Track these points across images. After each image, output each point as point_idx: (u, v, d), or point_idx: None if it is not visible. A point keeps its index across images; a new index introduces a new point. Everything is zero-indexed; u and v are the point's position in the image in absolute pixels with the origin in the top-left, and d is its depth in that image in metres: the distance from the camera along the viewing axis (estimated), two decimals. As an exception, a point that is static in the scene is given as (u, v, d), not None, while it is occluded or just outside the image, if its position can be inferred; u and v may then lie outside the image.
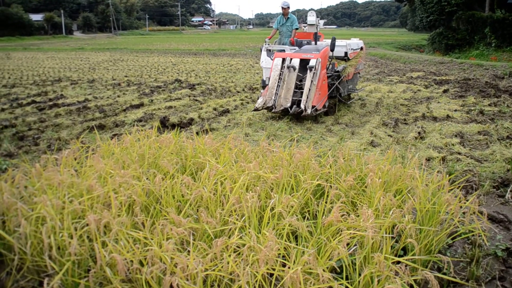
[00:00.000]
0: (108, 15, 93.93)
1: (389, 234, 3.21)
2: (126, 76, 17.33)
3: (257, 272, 2.68)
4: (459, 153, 6.54)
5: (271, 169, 4.18)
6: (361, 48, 10.99)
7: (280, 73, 8.84)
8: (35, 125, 8.66)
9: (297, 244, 3.11)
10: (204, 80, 16.17)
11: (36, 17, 78.84)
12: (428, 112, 9.63)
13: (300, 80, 8.81)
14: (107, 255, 2.75)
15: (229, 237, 3.06)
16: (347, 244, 3.05)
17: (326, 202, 3.63)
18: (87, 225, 3.09)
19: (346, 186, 4.03)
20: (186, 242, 3.12)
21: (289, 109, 8.50)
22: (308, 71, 8.50)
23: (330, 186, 4.02)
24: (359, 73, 11.68)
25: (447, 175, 4.35)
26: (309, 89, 8.39)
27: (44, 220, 3.22)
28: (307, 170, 4.36)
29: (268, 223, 3.29)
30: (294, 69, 8.73)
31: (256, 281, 2.65)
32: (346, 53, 10.04)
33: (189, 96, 12.30)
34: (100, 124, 8.45)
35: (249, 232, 3.16)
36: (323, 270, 2.69)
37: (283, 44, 10.65)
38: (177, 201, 3.67)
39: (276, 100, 8.67)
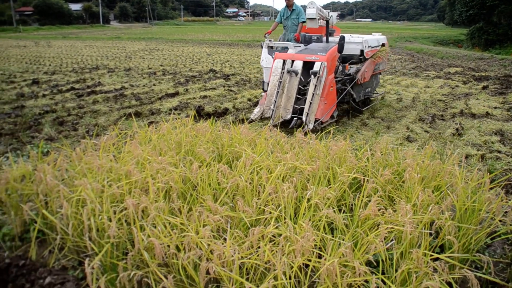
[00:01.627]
0: (144, 5, 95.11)
1: (427, 230, 3.15)
2: (161, 65, 17.52)
3: (293, 262, 2.67)
4: (499, 152, 6.34)
5: (307, 160, 4.15)
6: (383, 45, 9.39)
7: (280, 78, 7.37)
8: (74, 111, 8.87)
9: (333, 236, 3.08)
10: (239, 71, 16.19)
11: (75, 7, 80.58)
12: (466, 109, 9.37)
13: (305, 85, 7.35)
14: (145, 239, 2.79)
15: (265, 227, 3.05)
16: (384, 239, 3.01)
17: (363, 196, 3.59)
18: (126, 209, 3.15)
19: (383, 180, 3.97)
20: (222, 229, 3.14)
21: (290, 121, 7.13)
22: (312, 77, 7.04)
23: (367, 179, 3.96)
24: (380, 74, 10.13)
25: (488, 173, 4.22)
26: (312, 99, 6.95)
27: (84, 203, 3.29)
28: (344, 162, 4.32)
29: (304, 214, 3.27)
30: (296, 73, 7.20)
31: (292, 271, 2.64)
32: (362, 51, 8.49)
33: (224, 86, 12.34)
34: (136, 112, 8.58)
35: (285, 223, 3.16)
36: (360, 263, 2.66)
37: (287, 41, 9.06)
38: (213, 189, 3.69)
39: (274, 110, 7.22)
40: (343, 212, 3.63)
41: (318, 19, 8.31)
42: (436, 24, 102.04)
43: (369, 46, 8.60)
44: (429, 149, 4.65)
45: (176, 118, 5.39)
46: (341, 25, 77.07)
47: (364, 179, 4.06)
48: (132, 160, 3.97)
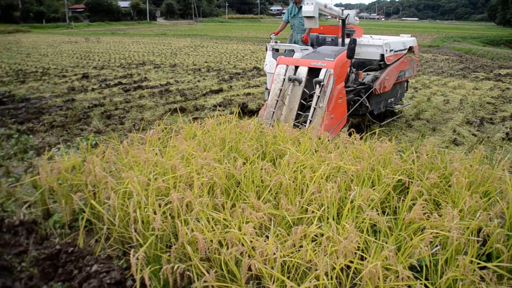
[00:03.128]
0: (190, 3, 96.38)
1: (474, 237, 3.05)
2: (206, 62, 17.72)
3: (335, 263, 2.65)
4: (553, 158, 6.07)
5: (351, 161, 4.11)
6: (410, 49, 8.08)
7: (282, 86, 6.34)
8: (121, 105, 9.11)
9: (376, 239, 3.04)
10: (282, 69, 16.15)
11: (123, 4, 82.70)
12: (518, 112, 9.01)
13: (311, 95, 6.22)
14: (189, 233, 2.84)
15: (308, 226, 3.04)
16: (429, 243, 2.94)
17: (407, 199, 3.52)
18: (170, 202, 3.21)
19: (429, 184, 3.88)
20: (264, 227, 3.15)
21: None
22: (316, 87, 5.98)
23: (412, 182, 3.88)
24: (407, 82, 8.72)
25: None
26: (314, 113, 5.88)
27: (130, 195, 3.38)
28: (388, 164, 4.25)
29: (347, 215, 3.24)
30: (299, 82, 6.16)
31: (334, 272, 2.62)
32: (382, 56, 7.25)
33: (267, 84, 12.37)
34: (181, 107, 8.73)
35: (327, 223, 3.14)
36: (403, 267, 2.62)
37: (294, 42, 7.99)
38: (256, 186, 3.72)
39: (272, 123, 5.93)
40: (387, 215, 3.58)
41: (328, 18, 7.65)
42: (487, 24, 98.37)
43: (391, 50, 7.36)
44: (478, 153, 4.50)
45: (220, 115, 5.44)
46: (386, 24, 75.67)
47: (409, 181, 3.99)
48: (178, 155, 4.04)
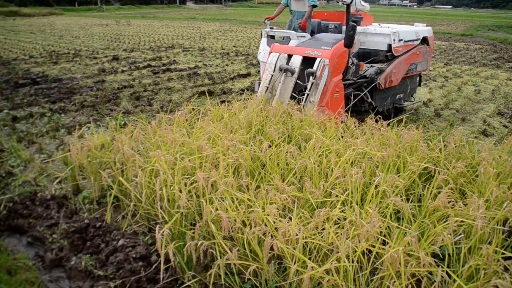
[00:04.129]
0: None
1: (500, 227, 3.02)
2: (234, 46, 17.72)
3: (356, 246, 2.67)
4: None
5: (377, 147, 4.09)
6: (423, 40, 7.26)
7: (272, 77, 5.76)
8: (150, 87, 9.24)
9: (399, 225, 3.04)
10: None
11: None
12: (553, 104, 8.75)
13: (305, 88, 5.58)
14: (213, 211, 2.90)
15: (331, 209, 3.06)
16: (453, 232, 2.92)
17: (432, 187, 3.49)
18: (196, 182, 3.27)
19: (455, 173, 3.84)
20: (288, 209, 3.19)
21: None
22: (308, 79, 5.42)
23: (438, 171, 3.85)
24: (419, 76, 7.87)
25: None
26: (304, 108, 5.17)
27: (157, 173, 3.46)
28: (415, 152, 4.22)
29: (370, 200, 3.24)
30: (292, 72, 5.57)
31: (355, 255, 2.64)
32: (390, 46, 6.52)
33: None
34: (208, 90, 8.80)
35: (351, 207, 3.15)
36: (425, 254, 2.62)
37: (293, 29, 7.09)
38: (281, 169, 3.75)
39: None
40: (411, 202, 3.56)
41: (337, 3, 6.65)
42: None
43: (400, 40, 6.61)
44: (508, 144, 4.42)
45: (247, 98, 5.47)
46: (418, 12, 73.80)
47: (435, 170, 3.96)
48: (204, 136, 4.10)
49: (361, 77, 6.32)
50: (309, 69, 5.38)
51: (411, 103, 7.71)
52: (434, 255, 2.89)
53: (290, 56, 5.77)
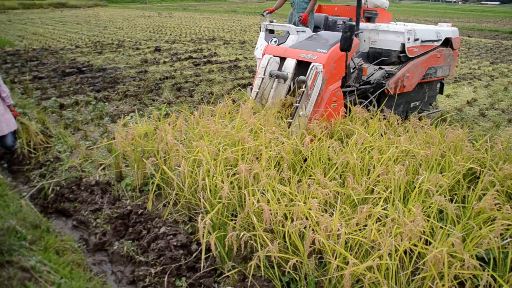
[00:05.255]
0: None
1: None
2: (274, 41, 17.66)
3: (398, 245, 2.63)
4: None
5: (421, 145, 4.01)
6: (446, 41, 6.44)
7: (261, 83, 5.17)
8: (191, 78, 9.34)
9: (443, 225, 2.98)
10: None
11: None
12: None
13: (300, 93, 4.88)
14: (255, 203, 2.91)
15: (373, 206, 3.02)
16: (500, 235, 2.84)
17: (478, 188, 3.40)
18: (238, 173, 3.30)
19: (502, 175, 3.72)
20: (329, 204, 3.17)
21: None
22: (300, 87, 4.82)
23: (484, 172, 3.74)
24: (441, 83, 6.93)
25: None
26: (293, 123, 4.55)
27: (200, 163, 3.50)
28: (459, 151, 4.11)
29: (414, 199, 3.19)
30: (284, 79, 4.96)
31: (397, 254, 2.61)
32: (403, 45, 5.76)
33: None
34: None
35: (393, 205, 3.11)
36: (470, 256, 2.55)
37: (293, 24, 6.26)
38: (323, 164, 3.73)
39: None
40: (455, 202, 3.48)
41: None
42: None
43: (416, 40, 5.83)
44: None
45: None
46: (464, 8, 71.44)
47: (480, 171, 3.85)
48: (246, 128, 4.12)
49: (365, 82, 5.49)
50: (300, 77, 4.72)
51: (428, 112, 6.66)
52: (479, 258, 2.81)
53: (283, 59, 5.14)
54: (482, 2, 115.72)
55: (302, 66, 4.88)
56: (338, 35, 4.99)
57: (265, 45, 5.60)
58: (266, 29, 5.84)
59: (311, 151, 3.78)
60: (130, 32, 18.61)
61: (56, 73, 9.51)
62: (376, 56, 6.01)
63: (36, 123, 5.40)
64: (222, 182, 3.20)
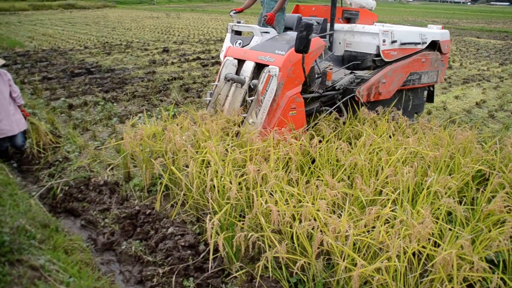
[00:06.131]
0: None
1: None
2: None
3: (407, 247, 2.62)
4: None
5: (430, 147, 4.00)
6: (433, 45, 5.91)
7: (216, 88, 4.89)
8: (199, 79, 9.37)
9: (452, 227, 2.96)
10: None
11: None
12: None
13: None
14: (263, 203, 2.92)
15: (382, 207, 3.02)
16: (510, 238, 2.82)
17: (487, 190, 3.38)
18: (246, 174, 3.30)
19: (512, 177, 3.70)
20: (337, 205, 3.16)
21: None
22: (248, 93, 4.56)
23: (493, 174, 3.71)
24: (429, 90, 6.37)
25: None
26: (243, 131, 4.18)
27: (208, 164, 3.51)
28: (468, 153, 4.09)
29: (422, 200, 3.17)
30: (241, 83, 4.62)
31: (406, 256, 2.60)
32: (378, 47, 5.26)
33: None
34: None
35: (401, 206, 3.10)
36: (479, 259, 2.54)
37: (262, 25, 5.64)
38: (331, 165, 3.72)
39: None
40: (464, 204, 3.46)
41: None
42: None
43: (393, 42, 5.28)
44: None
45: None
46: (473, 9, 71.01)
47: (490, 172, 3.82)
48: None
49: (331, 88, 4.89)
50: (253, 81, 4.44)
51: (413, 121, 5.89)
52: (488, 260, 2.80)
53: (242, 62, 4.78)
54: (491, 2, 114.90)
55: (262, 69, 4.50)
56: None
57: (231, 46, 5.23)
58: (232, 30, 5.43)
59: (319, 152, 3.78)
60: (138, 33, 18.69)
61: (65, 73, 9.57)
62: (351, 60, 5.59)
63: (46, 123, 5.43)
64: (230, 182, 3.21)
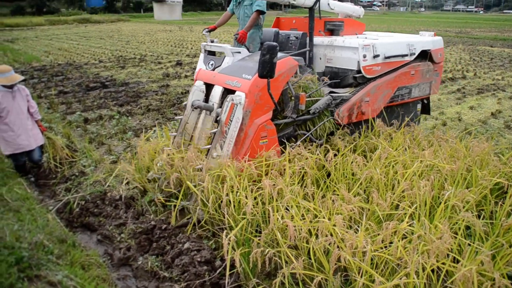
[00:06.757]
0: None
1: None
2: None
3: (425, 262, 2.59)
4: None
5: (446, 159, 3.96)
6: (424, 54, 5.46)
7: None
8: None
9: (471, 242, 2.92)
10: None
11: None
12: None
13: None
14: (280, 218, 2.91)
15: (399, 222, 2.99)
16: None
17: (506, 204, 3.33)
18: (262, 188, 3.30)
19: (532, 190, 3.64)
20: (354, 220, 3.14)
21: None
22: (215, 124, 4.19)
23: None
24: (423, 103, 5.91)
25: None
26: (205, 166, 3.76)
27: (224, 179, 3.50)
28: (486, 165, 4.04)
29: (439, 215, 3.14)
30: (210, 111, 4.24)
31: (425, 272, 2.56)
32: (358, 63, 4.76)
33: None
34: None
35: (418, 221, 3.06)
36: (501, 275, 2.49)
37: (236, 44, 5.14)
38: (347, 179, 3.70)
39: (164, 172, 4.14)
40: (483, 218, 3.41)
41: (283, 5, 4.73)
42: None
43: (375, 56, 4.81)
44: None
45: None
46: (485, 18, 70.30)
47: (508, 185, 3.77)
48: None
49: (307, 112, 4.35)
50: (218, 109, 4.12)
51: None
52: (510, 277, 2.75)
53: (212, 86, 4.39)
54: (504, 11, 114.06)
55: (224, 95, 4.22)
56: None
57: (201, 68, 4.78)
58: (205, 50, 4.95)
59: (334, 165, 3.76)
60: (152, 46, 18.90)
61: (80, 87, 9.71)
62: (332, 77, 5.02)
63: (62, 137, 5.50)
64: (246, 197, 3.20)
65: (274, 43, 3.60)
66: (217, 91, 4.24)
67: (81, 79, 10.64)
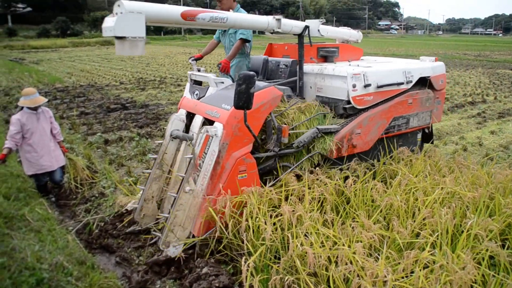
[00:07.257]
0: (298, 17, 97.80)
1: None
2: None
3: (448, 293, 2.54)
4: None
5: (468, 186, 3.90)
6: (423, 81, 5.12)
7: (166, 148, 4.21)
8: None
9: (494, 273, 2.85)
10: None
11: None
12: None
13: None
14: (299, 245, 2.89)
15: (420, 251, 2.94)
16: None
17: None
18: (281, 214, 3.28)
19: (558, 218, 3.55)
20: (374, 247, 3.10)
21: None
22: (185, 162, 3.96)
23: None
24: (424, 132, 5.55)
25: None
26: (176, 203, 3.59)
27: (245, 205, 3.49)
28: (509, 193, 3.96)
29: (462, 244, 3.08)
30: (190, 140, 3.92)
31: (447, 303, 2.51)
32: (348, 93, 4.43)
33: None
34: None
35: (440, 250, 3.01)
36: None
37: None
38: (366, 205, 3.67)
39: (140, 207, 4.10)
40: (507, 248, 3.33)
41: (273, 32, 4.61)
42: None
43: (366, 86, 4.48)
44: None
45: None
46: (504, 41, 69.58)
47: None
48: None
49: (291, 145, 4.12)
50: (193, 140, 3.90)
51: None
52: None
53: (193, 116, 4.26)
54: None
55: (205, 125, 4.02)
56: (256, 84, 3.66)
57: (186, 97, 4.65)
58: (191, 80, 4.72)
59: (354, 192, 3.74)
60: (172, 69, 19.18)
61: (101, 109, 9.88)
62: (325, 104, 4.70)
63: (83, 158, 5.59)
64: (265, 223, 3.19)
65: (251, 73, 3.45)
66: (197, 121, 4.12)
67: (102, 101, 10.83)
